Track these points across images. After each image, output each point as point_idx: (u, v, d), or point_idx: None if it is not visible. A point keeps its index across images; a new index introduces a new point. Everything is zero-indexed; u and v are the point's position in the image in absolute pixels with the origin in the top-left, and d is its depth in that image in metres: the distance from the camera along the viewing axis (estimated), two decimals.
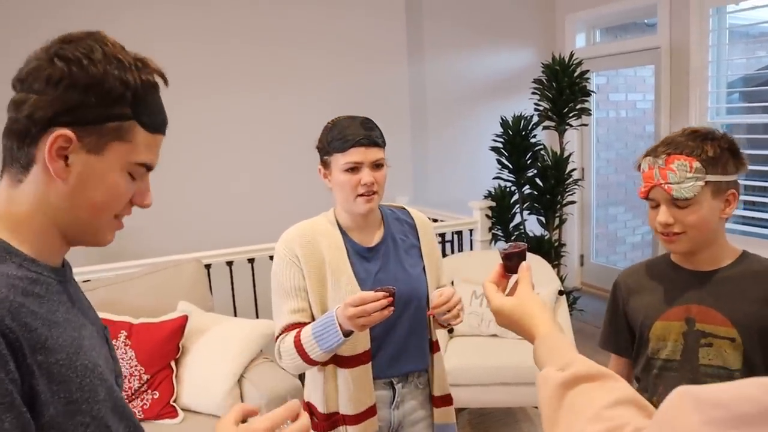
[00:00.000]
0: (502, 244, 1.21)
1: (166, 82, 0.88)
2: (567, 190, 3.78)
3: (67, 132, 0.79)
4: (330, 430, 1.62)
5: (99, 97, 0.80)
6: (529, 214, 3.96)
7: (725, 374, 1.35)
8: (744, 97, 4.39)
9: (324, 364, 1.60)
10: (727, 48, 4.23)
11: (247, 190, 4.12)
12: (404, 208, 1.80)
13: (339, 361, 1.60)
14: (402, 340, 1.65)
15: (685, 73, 4.31)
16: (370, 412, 1.61)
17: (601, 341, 1.63)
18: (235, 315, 3.22)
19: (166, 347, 2.47)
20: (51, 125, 0.79)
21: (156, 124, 0.88)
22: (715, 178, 1.32)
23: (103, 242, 0.91)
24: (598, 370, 0.78)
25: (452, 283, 3.40)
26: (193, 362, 2.50)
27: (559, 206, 3.82)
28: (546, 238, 3.86)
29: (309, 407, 1.68)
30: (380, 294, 1.40)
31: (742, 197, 4.30)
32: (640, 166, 1.41)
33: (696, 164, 1.31)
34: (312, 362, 1.54)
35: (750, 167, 4.30)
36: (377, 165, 1.58)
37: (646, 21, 5.12)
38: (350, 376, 1.59)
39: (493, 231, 3.99)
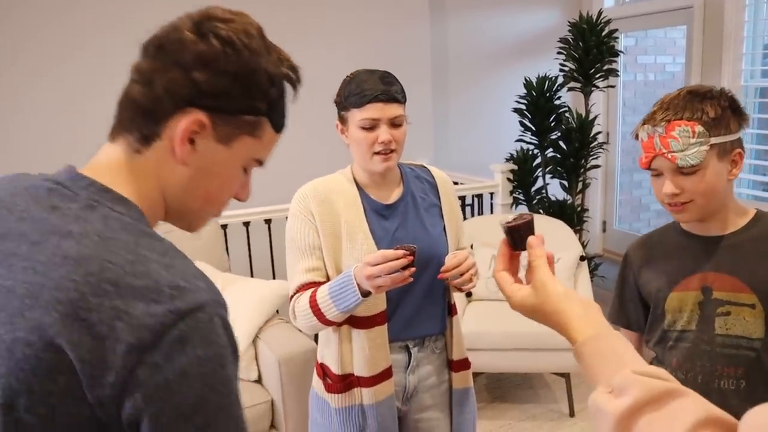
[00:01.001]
0: (504, 217, 1.06)
1: (298, 81, 0.84)
2: (591, 153, 3.67)
3: (203, 117, 0.74)
4: (344, 391, 1.59)
5: (246, 87, 0.75)
6: (551, 177, 3.87)
7: (744, 344, 1.29)
8: None
9: (339, 324, 1.56)
10: (765, 7, 4.03)
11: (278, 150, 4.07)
12: (424, 166, 1.74)
13: (354, 321, 1.56)
14: (419, 301, 1.60)
15: (719, 34, 4.13)
16: (386, 374, 1.58)
17: (610, 315, 1.55)
18: (252, 276, 3.21)
19: None
20: (188, 105, 0.73)
21: (282, 124, 0.84)
22: (720, 139, 1.23)
23: (196, 229, 0.88)
24: (660, 390, 0.64)
25: (471, 246, 3.34)
26: None
27: (582, 170, 3.72)
28: (568, 202, 3.77)
29: (322, 368, 1.65)
30: (400, 252, 1.34)
31: (758, 162, 4.16)
32: (638, 135, 1.32)
33: (698, 128, 1.22)
34: (328, 323, 1.50)
35: None
36: (396, 122, 1.51)
37: None
38: (366, 337, 1.55)
39: (514, 194, 3.91)
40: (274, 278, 3.21)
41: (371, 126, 1.49)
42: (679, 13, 4.47)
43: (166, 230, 2.61)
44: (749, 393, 1.28)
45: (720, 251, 1.32)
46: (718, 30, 4.13)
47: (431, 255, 1.58)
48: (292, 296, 1.58)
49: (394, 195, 1.62)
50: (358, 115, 1.49)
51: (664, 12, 4.64)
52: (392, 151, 1.52)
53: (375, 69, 1.54)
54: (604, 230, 5.62)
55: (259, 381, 2.43)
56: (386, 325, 1.57)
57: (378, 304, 1.55)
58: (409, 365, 1.62)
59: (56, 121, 3.42)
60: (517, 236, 0.89)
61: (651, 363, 1.51)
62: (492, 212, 4.00)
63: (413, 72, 4.55)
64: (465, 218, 4.01)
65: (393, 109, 1.49)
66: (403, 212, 1.61)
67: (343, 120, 1.56)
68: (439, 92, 4.80)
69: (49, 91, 3.39)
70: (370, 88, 1.47)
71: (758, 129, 4.14)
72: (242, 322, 2.44)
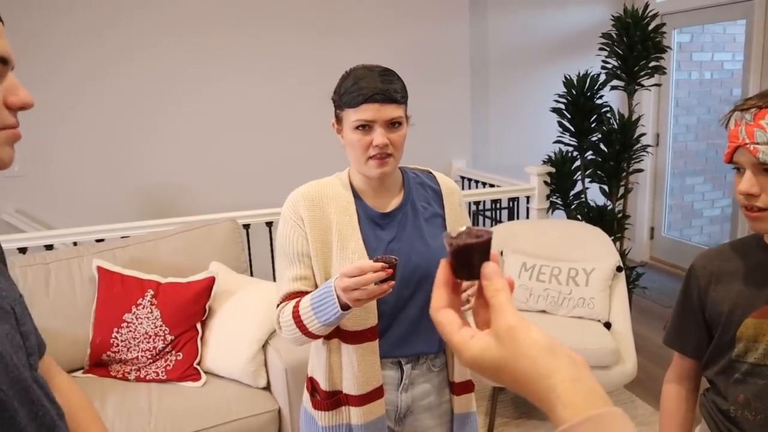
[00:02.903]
0: (450, 231, 0.70)
1: None
2: (634, 156, 3.44)
3: None
4: (332, 409, 1.49)
5: None
6: (591, 182, 3.66)
7: None
8: None
9: (328, 337, 1.46)
10: None
11: (290, 150, 4.02)
12: (430, 172, 1.61)
13: (343, 335, 1.45)
14: (415, 318, 1.48)
15: None
16: (377, 393, 1.46)
17: (666, 337, 1.39)
18: (274, 279, 3.14)
19: (192, 308, 2.41)
20: None
21: None
22: None
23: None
24: None
25: (501, 253, 3.19)
26: (220, 325, 2.43)
27: (624, 174, 3.50)
28: (609, 208, 3.56)
29: (311, 382, 1.56)
30: (378, 264, 1.22)
31: None
32: (728, 123, 1.15)
33: None
34: (312, 336, 1.41)
35: None
36: (394, 124, 1.39)
37: None
38: (355, 353, 1.45)
39: (551, 199, 3.73)
40: None
41: (366, 128, 1.38)
42: (738, 6, 4.17)
43: (185, 229, 2.56)
44: None
45: None
46: None
47: (429, 269, 1.46)
48: (278, 305, 1.49)
49: (392, 203, 1.51)
50: (352, 116, 1.38)
51: (721, 5, 4.35)
52: (389, 155, 1.40)
53: (375, 65, 1.42)
54: (651, 237, 5.34)
55: (267, 388, 2.35)
56: (377, 341, 1.46)
57: (368, 318, 1.44)
58: (401, 383, 1.51)
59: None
60: (466, 260, 0.64)
61: (706, 393, 1.34)
62: (528, 217, 3.82)
63: (452, 71, 4.43)
64: (500, 221, 3.85)
65: (390, 110, 1.37)
66: (401, 222, 1.49)
67: (338, 119, 1.45)
68: (479, 92, 4.64)
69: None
70: (367, 87, 1.35)
71: None
72: (253, 326, 2.37)
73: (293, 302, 1.43)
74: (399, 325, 1.48)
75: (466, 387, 1.57)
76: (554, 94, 3.71)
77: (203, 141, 3.85)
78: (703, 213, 5.57)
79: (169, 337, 2.36)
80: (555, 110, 3.63)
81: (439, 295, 0.64)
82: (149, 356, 2.34)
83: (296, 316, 1.39)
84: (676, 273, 5.00)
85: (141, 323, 2.36)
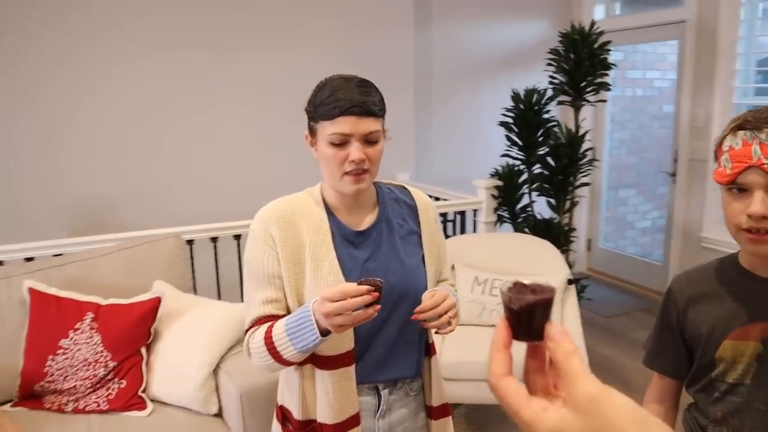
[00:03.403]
0: (504, 284, 0.63)
1: None
2: (581, 170, 3.51)
3: None
4: None
5: None
6: (538, 195, 3.70)
7: None
8: None
9: (300, 363, 1.37)
10: (759, 23, 3.92)
11: (238, 161, 3.87)
12: (405, 188, 1.55)
13: (318, 361, 1.37)
14: (392, 341, 1.41)
15: (712, 50, 4.01)
16: (353, 421, 1.38)
17: (646, 358, 1.38)
18: (219, 296, 3.00)
19: (136, 332, 2.24)
20: None
21: None
22: None
23: None
24: None
25: (453, 267, 3.16)
26: (166, 349, 2.27)
27: (571, 188, 3.56)
28: (555, 221, 3.60)
29: (282, 411, 1.46)
30: (363, 288, 1.15)
31: None
32: (721, 144, 1.13)
33: None
34: (285, 363, 1.31)
35: None
36: (370, 139, 1.31)
37: None
38: (330, 379, 1.36)
39: (498, 212, 3.75)
40: (242, 300, 3.00)
41: (342, 142, 1.30)
42: (672, 27, 4.35)
43: (127, 246, 2.40)
44: None
45: None
46: (711, 46, 4.01)
47: (406, 290, 1.39)
48: (248, 330, 1.38)
49: (367, 220, 1.44)
50: (328, 129, 1.30)
51: (655, 26, 4.52)
52: (365, 171, 1.32)
53: (352, 75, 1.34)
54: (589, 248, 5.48)
55: (219, 415, 2.22)
56: (354, 366, 1.38)
57: (344, 342, 1.36)
58: (379, 409, 1.43)
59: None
60: (528, 318, 0.58)
61: (689, 408, 1.33)
62: (475, 230, 3.82)
63: (396, 83, 4.40)
64: (447, 236, 3.84)
65: (368, 124, 1.30)
66: (377, 240, 1.42)
67: (312, 132, 1.37)
68: (422, 104, 4.64)
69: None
70: (344, 99, 1.27)
71: None
72: (203, 349, 2.22)
73: (264, 327, 1.33)
74: (376, 348, 1.40)
75: (444, 411, 1.51)
76: (501, 108, 3.74)
77: (143, 150, 3.65)
78: (635, 225, 5.77)
79: (111, 364, 2.19)
80: (503, 124, 3.65)
81: (500, 360, 0.57)
82: (89, 385, 2.16)
83: (269, 342, 1.30)
84: (613, 283, 5.14)
85: (79, 349, 2.17)
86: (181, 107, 3.70)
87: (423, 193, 1.56)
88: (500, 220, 3.75)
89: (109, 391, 2.17)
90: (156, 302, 2.28)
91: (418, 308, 1.30)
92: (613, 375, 3.49)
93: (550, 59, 3.50)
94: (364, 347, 1.39)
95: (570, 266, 3.74)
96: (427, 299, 1.30)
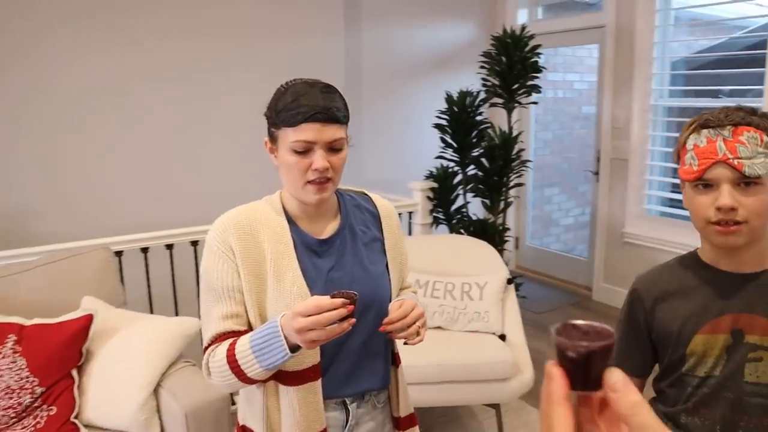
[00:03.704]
0: (553, 326, 0.58)
1: None
2: (514, 171, 3.57)
3: None
4: None
5: None
6: (474, 196, 3.74)
7: None
8: (685, 81, 4.34)
9: (263, 380, 1.30)
10: (672, 29, 4.14)
11: (167, 166, 3.68)
12: (365, 194, 1.50)
13: (282, 377, 1.30)
14: (358, 352, 1.36)
15: (630, 54, 4.20)
16: None
17: (616, 360, 1.39)
18: (152, 311, 2.84)
19: (65, 353, 2.07)
20: None
21: None
22: None
23: None
24: None
25: None
26: (100, 370, 2.12)
27: (505, 188, 3.62)
28: (490, 221, 3.66)
29: None
30: (338, 301, 1.10)
31: (667, 179, 4.27)
32: (685, 143, 1.17)
33: (766, 138, 1.10)
34: (250, 381, 1.24)
35: None
36: (334, 146, 1.26)
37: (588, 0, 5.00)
38: (296, 395, 1.30)
39: (434, 214, 3.76)
40: (177, 313, 2.86)
41: (305, 149, 1.24)
42: (592, 31, 4.52)
43: (51, 260, 2.21)
44: None
45: (754, 290, 1.18)
46: (629, 50, 4.20)
47: (372, 299, 1.35)
48: (207, 348, 1.30)
49: (329, 228, 1.38)
50: (290, 136, 1.23)
51: (576, 30, 4.69)
52: (328, 179, 1.27)
53: (315, 80, 1.29)
54: (517, 247, 5.62)
55: None
56: (320, 380, 1.32)
57: (310, 356, 1.30)
58: (347, 424, 1.38)
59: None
60: (586, 367, 0.53)
61: (652, 402, 1.34)
62: (410, 233, 3.82)
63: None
64: None
65: (332, 131, 1.25)
66: (340, 248, 1.37)
67: (273, 138, 1.30)
68: (353, 107, 4.58)
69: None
70: (307, 104, 1.22)
71: (667, 147, 4.23)
72: (140, 367, 2.09)
73: (226, 344, 1.25)
74: (342, 360, 1.35)
75: (412, 421, 1.48)
76: (433, 110, 3.76)
77: (68, 155, 3.40)
78: (559, 222, 5.98)
79: (39, 390, 2.01)
80: (437, 126, 3.67)
81: (562, 415, 0.52)
82: (13, 414, 1.98)
83: (231, 360, 1.22)
84: (541, 280, 5.29)
85: (1, 376, 1.99)
86: (109, 109, 3.49)
87: (384, 200, 1.52)
88: (436, 221, 3.77)
89: (38, 419, 1.99)
90: (87, 320, 2.12)
91: (386, 319, 1.26)
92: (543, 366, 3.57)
93: (482, 62, 3.55)
94: (330, 360, 1.34)
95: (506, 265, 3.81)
96: (394, 310, 1.26)
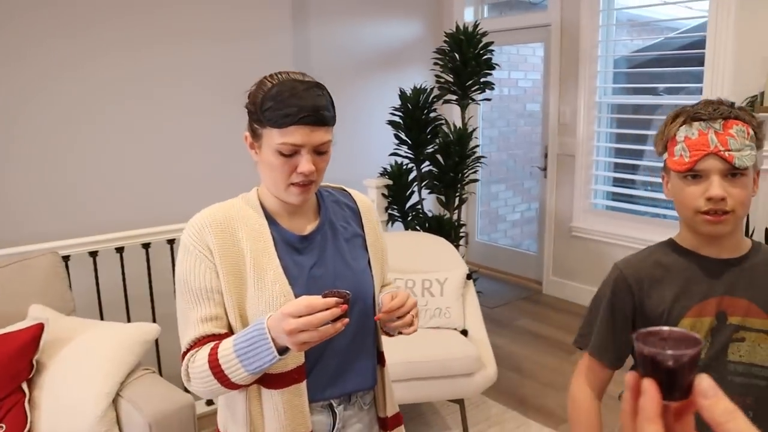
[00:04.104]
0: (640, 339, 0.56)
1: None
2: (469, 167, 3.60)
3: None
4: None
5: None
6: (429, 193, 3.75)
7: (757, 372, 1.20)
8: (627, 78, 4.48)
9: (247, 385, 1.24)
10: (614, 29, 4.27)
11: (116, 168, 3.51)
12: (344, 189, 1.47)
13: (265, 380, 1.25)
14: (344, 352, 1.32)
15: (575, 52, 4.30)
16: None
17: (595, 348, 1.36)
18: (102, 318, 2.70)
19: (15, 366, 1.94)
20: None
21: None
22: (757, 151, 1.18)
23: None
24: None
25: None
26: (53, 382, 1.99)
27: (460, 185, 3.64)
28: (446, 217, 3.67)
29: None
30: (332, 301, 1.06)
31: (614, 174, 4.41)
32: (674, 136, 1.19)
33: (751, 131, 1.16)
34: (233, 386, 1.19)
35: (620, 145, 4.33)
36: (321, 149, 1.22)
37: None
38: (280, 399, 1.25)
39: (389, 211, 3.74)
40: (129, 320, 2.73)
41: (291, 153, 1.19)
42: (538, 30, 4.61)
43: None
44: (758, 425, 1.18)
45: (734, 274, 1.22)
46: (574, 48, 4.30)
47: (356, 295, 1.31)
48: (185, 353, 1.23)
49: (310, 224, 1.34)
50: (276, 138, 1.18)
51: (522, 29, 4.77)
52: (312, 182, 1.23)
53: (303, 76, 1.23)
54: (466, 243, 5.67)
55: None
56: (305, 382, 1.27)
57: (294, 357, 1.25)
58: (334, 428, 1.34)
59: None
60: (677, 376, 0.52)
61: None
62: None
63: None
64: None
65: (320, 135, 1.20)
66: (321, 245, 1.33)
67: (255, 134, 1.24)
68: None
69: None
70: (297, 106, 1.16)
71: (612, 143, 4.36)
72: (98, 377, 1.98)
73: (206, 348, 1.19)
74: (327, 360, 1.31)
75: (398, 420, 1.45)
76: (386, 107, 3.74)
77: (22, 153, 3.20)
78: (506, 218, 6.07)
79: None
80: (391, 123, 3.65)
81: (651, 424, 0.50)
82: None
83: (214, 365, 1.16)
84: (491, 275, 5.37)
85: None
86: (61, 110, 3.29)
87: (363, 195, 1.49)
88: (391, 219, 3.75)
89: None
90: (38, 330, 2.00)
91: (386, 308, 1.23)
92: (506, 363, 3.62)
93: (436, 59, 3.55)
94: (315, 361, 1.29)
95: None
96: (388, 301, 1.24)
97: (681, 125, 1.19)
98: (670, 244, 1.32)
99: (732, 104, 1.19)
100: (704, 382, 0.51)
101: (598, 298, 1.39)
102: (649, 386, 0.52)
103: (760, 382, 1.20)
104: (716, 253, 1.24)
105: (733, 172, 1.14)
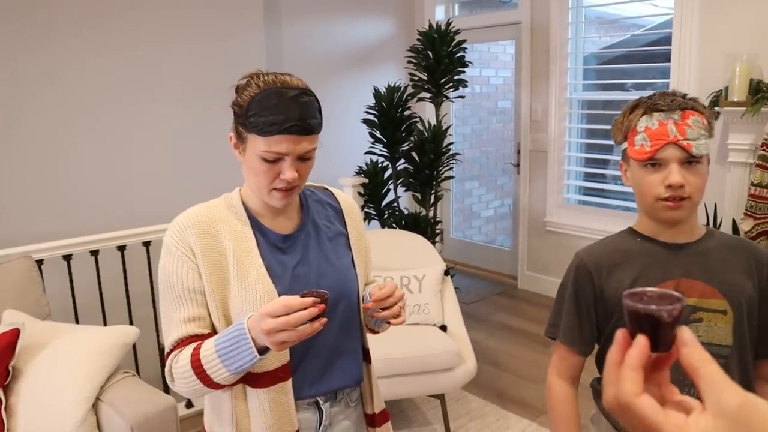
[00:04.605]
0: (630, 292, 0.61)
1: None
2: (444, 164, 3.63)
3: None
4: None
5: None
6: (405, 190, 3.77)
7: (714, 351, 1.24)
8: (596, 75, 4.56)
9: (230, 384, 1.24)
10: (584, 27, 4.34)
11: (88, 167, 3.46)
12: (326, 189, 1.48)
13: (250, 379, 1.25)
14: (329, 349, 1.33)
15: (546, 49, 4.36)
16: None
17: (565, 335, 1.40)
18: (77, 322, 2.66)
19: None
20: None
21: None
22: (709, 140, 1.24)
23: None
24: None
25: None
26: (31, 388, 1.96)
27: (435, 182, 3.67)
28: (422, 215, 3.70)
29: None
30: (309, 300, 1.07)
31: (585, 169, 4.49)
32: (635, 126, 1.25)
33: (706, 121, 1.22)
34: (216, 386, 1.19)
35: (591, 141, 4.41)
36: (305, 156, 1.22)
37: None
38: (266, 397, 1.25)
39: (366, 209, 3.76)
40: (105, 323, 2.69)
41: (275, 160, 1.19)
42: (508, 28, 4.66)
43: None
44: None
45: (690, 257, 1.28)
46: (544, 45, 4.36)
47: (340, 293, 1.33)
48: (169, 353, 1.23)
49: (292, 223, 1.34)
50: (260, 145, 1.18)
51: (493, 27, 4.82)
52: (294, 187, 1.24)
53: (291, 82, 1.22)
54: (442, 239, 5.71)
55: None
56: (290, 380, 1.28)
57: (279, 355, 1.26)
58: (320, 425, 1.35)
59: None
60: (671, 328, 0.56)
61: (599, 380, 1.39)
62: None
63: None
64: None
65: (306, 144, 1.20)
66: (304, 244, 1.34)
67: (240, 137, 1.24)
68: None
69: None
70: (283, 115, 1.16)
71: (583, 138, 4.44)
72: (76, 382, 1.95)
73: (189, 348, 1.20)
74: (312, 358, 1.32)
75: (385, 416, 1.47)
76: (360, 105, 3.75)
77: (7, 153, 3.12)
78: (480, 214, 6.13)
79: None
80: (366, 121, 3.67)
81: (635, 378, 0.55)
82: None
83: (196, 365, 1.17)
84: (466, 271, 5.41)
85: None
86: (28, 112, 3.23)
87: (346, 194, 1.50)
88: (368, 217, 3.77)
89: None
90: (13, 335, 1.96)
91: (374, 297, 1.24)
92: (484, 358, 3.66)
93: (409, 57, 3.57)
94: (300, 359, 1.30)
95: None
96: (376, 291, 1.25)
97: (641, 116, 1.24)
98: (630, 231, 1.38)
99: (685, 95, 1.25)
100: (686, 334, 0.56)
101: (563, 286, 1.43)
102: (641, 339, 0.56)
103: (719, 360, 1.25)
104: (673, 238, 1.29)
105: (690, 160, 1.21)
